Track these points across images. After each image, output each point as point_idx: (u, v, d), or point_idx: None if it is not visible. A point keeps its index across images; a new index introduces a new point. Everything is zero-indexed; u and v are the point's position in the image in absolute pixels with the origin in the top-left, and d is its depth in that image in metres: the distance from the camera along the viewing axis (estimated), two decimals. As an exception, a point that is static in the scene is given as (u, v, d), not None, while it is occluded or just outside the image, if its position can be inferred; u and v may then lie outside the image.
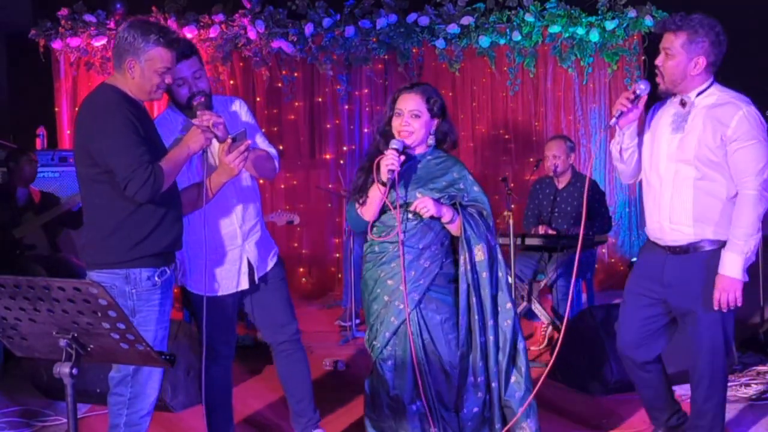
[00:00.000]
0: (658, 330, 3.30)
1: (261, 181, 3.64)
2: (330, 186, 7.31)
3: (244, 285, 3.39)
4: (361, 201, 3.27)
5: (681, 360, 4.27)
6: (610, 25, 7.18)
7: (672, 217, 3.14)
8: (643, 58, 7.37)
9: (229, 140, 3.07)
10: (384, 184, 3.12)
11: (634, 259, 7.15)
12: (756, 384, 4.38)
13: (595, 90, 7.53)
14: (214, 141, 3.10)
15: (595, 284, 5.93)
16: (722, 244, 3.06)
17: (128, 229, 2.92)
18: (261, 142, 3.46)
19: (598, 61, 7.40)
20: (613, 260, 7.70)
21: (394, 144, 3.15)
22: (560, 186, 5.63)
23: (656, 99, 3.28)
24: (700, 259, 3.11)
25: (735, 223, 3.02)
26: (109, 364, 3.03)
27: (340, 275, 7.20)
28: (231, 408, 3.58)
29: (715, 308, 3.05)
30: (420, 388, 3.19)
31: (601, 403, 4.25)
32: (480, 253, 3.18)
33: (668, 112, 3.20)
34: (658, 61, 3.12)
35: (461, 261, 3.18)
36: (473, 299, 3.17)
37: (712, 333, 3.13)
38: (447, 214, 3.16)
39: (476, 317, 3.19)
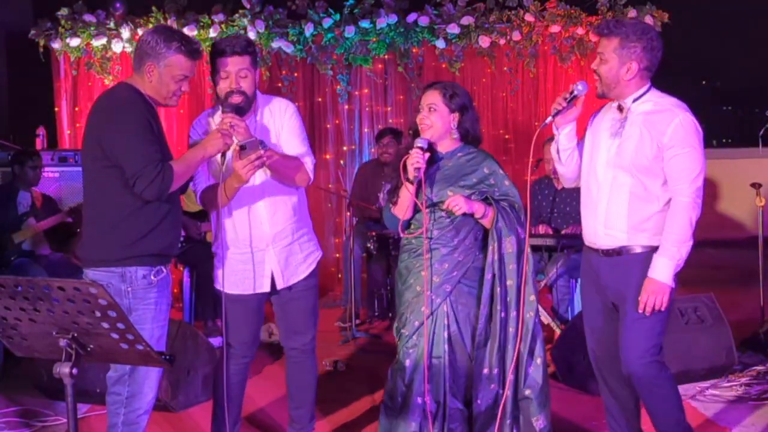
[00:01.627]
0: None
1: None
2: (330, 186, 7.31)
3: (264, 288, 3.34)
4: (393, 201, 3.39)
5: (680, 360, 4.28)
6: (610, 25, 7.18)
7: (607, 222, 3.12)
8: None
9: (237, 147, 3.03)
10: (411, 182, 3.23)
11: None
12: (756, 384, 4.38)
13: (595, 90, 7.51)
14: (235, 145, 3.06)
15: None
16: (654, 249, 3.05)
17: (126, 227, 2.93)
18: (296, 147, 3.33)
19: (598, 61, 7.39)
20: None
21: (418, 142, 3.26)
22: (559, 186, 5.63)
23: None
24: (632, 260, 3.09)
25: (668, 229, 3.01)
26: (109, 364, 3.03)
27: (340, 275, 7.20)
28: (239, 407, 3.57)
29: (640, 311, 3.02)
30: (426, 384, 3.23)
31: (601, 403, 4.25)
32: (509, 245, 3.27)
33: (607, 116, 3.22)
34: (594, 65, 3.17)
35: (489, 251, 3.28)
36: (497, 289, 3.26)
37: (639, 333, 3.06)
38: (479, 209, 3.25)
39: (499, 308, 3.26)
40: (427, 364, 3.24)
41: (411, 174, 3.22)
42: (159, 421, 4.01)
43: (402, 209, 3.34)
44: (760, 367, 4.63)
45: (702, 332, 4.46)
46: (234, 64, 3.14)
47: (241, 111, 3.12)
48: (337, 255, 7.47)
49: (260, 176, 3.26)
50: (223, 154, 3.06)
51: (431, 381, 3.26)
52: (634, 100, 3.12)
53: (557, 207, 5.59)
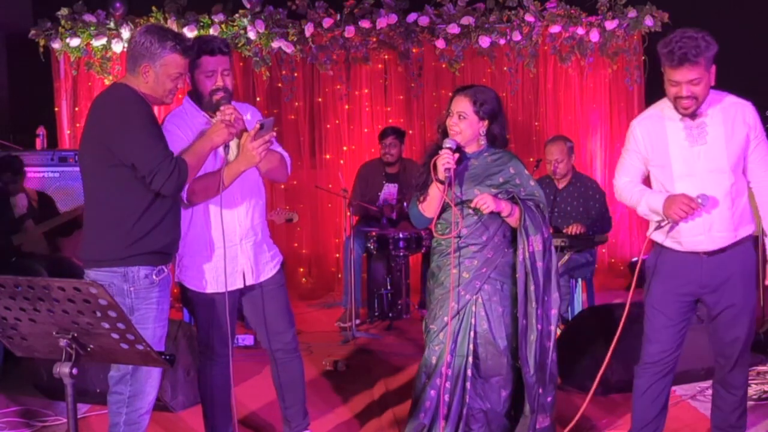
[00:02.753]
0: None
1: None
2: (330, 186, 7.31)
3: (238, 284, 3.36)
4: (421, 198, 3.44)
5: (680, 360, 4.27)
6: (610, 25, 7.18)
7: (713, 227, 3.15)
8: (643, 58, 7.37)
9: (257, 126, 3.09)
10: (442, 182, 3.30)
11: (635, 259, 7.16)
12: (756, 384, 4.38)
13: (595, 90, 7.53)
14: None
15: (595, 284, 5.93)
16: (750, 238, 3.18)
17: (129, 226, 2.94)
18: (275, 146, 3.45)
19: (598, 61, 7.40)
20: (613, 260, 7.69)
21: (447, 143, 3.34)
22: (560, 186, 5.64)
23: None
24: (736, 254, 3.19)
25: None
26: (109, 364, 3.03)
27: (340, 275, 7.19)
28: (230, 407, 3.57)
29: None
30: (445, 382, 3.31)
31: (601, 403, 4.25)
32: (537, 244, 3.34)
33: (674, 126, 3.16)
34: (687, 92, 3.02)
35: (519, 250, 3.36)
36: (531, 287, 3.34)
37: (750, 321, 3.26)
38: (506, 208, 3.32)
39: (534, 305, 3.35)
40: (448, 361, 3.31)
41: (441, 174, 3.29)
42: (159, 421, 4.01)
43: (431, 207, 3.41)
44: (760, 367, 4.63)
45: (702, 332, 4.43)
46: (220, 63, 3.21)
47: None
48: (337, 255, 7.47)
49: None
50: (227, 144, 3.13)
51: (450, 379, 3.32)
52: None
53: (558, 207, 5.59)
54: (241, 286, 3.37)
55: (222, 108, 3.14)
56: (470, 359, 3.34)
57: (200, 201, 3.24)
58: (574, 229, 5.31)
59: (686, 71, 2.98)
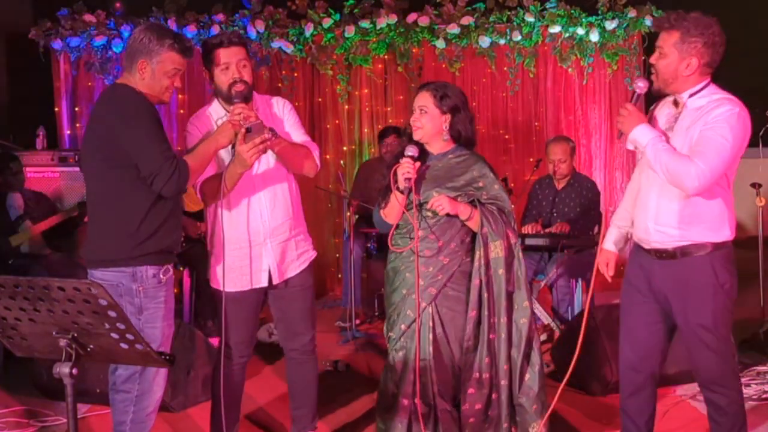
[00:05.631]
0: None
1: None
2: (330, 186, 7.31)
3: (262, 282, 3.34)
4: (383, 205, 3.36)
5: (680, 360, 4.27)
6: (610, 25, 7.18)
7: (659, 217, 3.06)
8: (643, 58, 7.36)
9: (243, 131, 3.04)
10: (402, 192, 3.20)
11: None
12: (756, 384, 4.38)
13: (595, 90, 7.53)
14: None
15: (595, 284, 5.91)
16: (711, 244, 3.00)
17: (136, 226, 2.95)
18: (299, 137, 3.39)
19: (598, 61, 7.39)
20: (613, 260, 7.67)
21: (408, 151, 3.23)
22: (559, 186, 5.64)
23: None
24: (690, 264, 3.04)
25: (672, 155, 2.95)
26: (109, 364, 3.04)
27: (340, 275, 7.19)
28: (239, 408, 3.57)
29: None
30: (417, 386, 3.20)
31: (601, 403, 4.25)
32: (498, 250, 3.23)
33: (662, 111, 3.15)
34: (652, 59, 3.05)
35: (476, 257, 3.23)
36: (485, 295, 3.21)
37: (716, 348, 3.07)
38: (464, 211, 3.21)
39: (486, 313, 3.22)
40: (417, 366, 3.21)
41: (401, 184, 3.19)
42: (159, 420, 3.98)
43: (392, 214, 3.32)
44: (760, 367, 4.63)
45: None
46: (234, 55, 3.18)
47: (246, 100, 3.16)
48: (337, 255, 7.46)
49: (263, 168, 3.29)
50: (233, 145, 3.09)
51: (420, 382, 3.22)
52: (691, 95, 3.01)
53: (557, 207, 5.59)
54: (266, 284, 3.35)
55: (232, 107, 3.11)
56: (433, 362, 3.22)
57: (212, 203, 3.24)
58: (559, 227, 5.31)
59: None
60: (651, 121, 3.16)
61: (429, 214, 3.25)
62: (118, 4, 7.01)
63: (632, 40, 7.32)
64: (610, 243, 3.37)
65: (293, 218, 3.40)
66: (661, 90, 3.08)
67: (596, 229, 5.52)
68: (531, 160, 6.70)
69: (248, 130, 3.02)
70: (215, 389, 3.40)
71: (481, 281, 3.21)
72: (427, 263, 3.24)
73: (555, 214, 5.57)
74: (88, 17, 7.02)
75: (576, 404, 4.26)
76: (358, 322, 5.92)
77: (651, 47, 7.36)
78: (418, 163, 3.21)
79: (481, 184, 3.29)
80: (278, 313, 3.48)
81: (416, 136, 3.28)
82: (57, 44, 7.08)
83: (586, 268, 5.56)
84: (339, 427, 4.07)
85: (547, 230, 5.40)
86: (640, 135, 2.99)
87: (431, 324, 3.23)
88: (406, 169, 3.18)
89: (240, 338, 3.39)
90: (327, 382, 4.75)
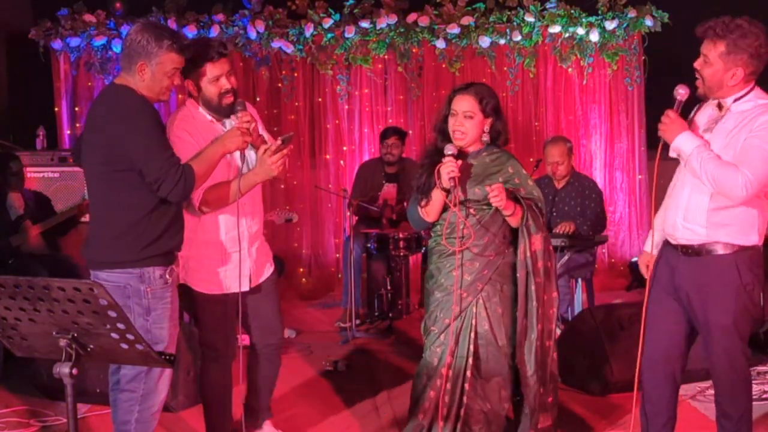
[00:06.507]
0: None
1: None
2: (330, 186, 7.31)
3: (246, 287, 3.39)
4: (423, 203, 3.40)
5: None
6: (610, 25, 7.18)
7: (688, 215, 3.07)
8: (643, 58, 7.37)
9: (279, 141, 3.14)
10: (446, 191, 3.27)
11: (635, 259, 7.15)
12: (756, 384, 4.38)
13: (595, 90, 7.53)
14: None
15: (595, 284, 5.93)
16: (736, 246, 3.00)
17: (144, 228, 2.95)
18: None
19: (598, 61, 7.40)
20: (613, 260, 7.69)
21: (448, 150, 3.28)
22: (559, 186, 5.64)
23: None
24: (712, 260, 3.04)
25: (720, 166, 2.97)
26: (109, 364, 3.04)
27: (340, 275, 7.19)
28: (230, 407, 3.59)
29: None
30: (445, 383, 3.31)
31: (601, 403, 4.25)
32: (538, 243, 3.33)
33: (705, 113, 3.14)
34: (697, 64, 3.02)
35: (520, 249, 3.34)
36: (532, 286, 3.33)
37: (730, 347, 3.09)
38: (509, 206, 3.29)
39: (534, 304, 3.34)
40: (449, 363, 3.30)
41: (446, 183, 3.25)
42: (159, 420, 4.00)
43: (433, 212, 3.39)
44: (760, 367, 4.63)
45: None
46: (222, 67, 3.22)
47: (244, 107, 3.23)
48: (337, 255, 7.47)
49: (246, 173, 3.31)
50: (242, 152, 3.14)
51: (450, 380, 3.32)
52: (735, 100, 3.01)
53: (557, 207, 5.59)
54: (248, 288, 3.41)
55: (240, 114, 3.16)
56: (470, 360, 3.33)
57: (213, 210, 3.24)
58: (564, 227, 5.31)
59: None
60: (691, 126, 3.13)
61: (472, 212, 3.34)
62: (118, 4, 7.02)
63: (632, 40, 7.32)
64: (651, 246, 3.35)
65: (261, 220, 3.51)
66: (707, 95, 3.08)
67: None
68: (531, 160, 6.70)
69: (284, 141, 3.13)
70: (204, 392, 3.50)
71: (528, 272, 3.32)
72: (474, 259, 3.34)
73: (555, 214, 5.57)
74: (88, 17, 7.02)
75: (576, 404, 4.26)
76: (358, 322, 5.92)
77: (651, 47, 7.40)
78: (459, 162, 3.27)
79: (517, 181, 3.38)
80: (253, 313, 3.51)
81: (459, 143, 3.33)
82: (57, 44, 7.09)
83: (586, 268, 5.57)
84: (338, 428, 4.06)
85: (556, 230, 5.39)
86: (684, 143, 3.00)
87: (474, 322, 3.33)
88: (450, 167, 3.23)
89: (227, 339, 3.46)
90: (327, 382, 4.75)
